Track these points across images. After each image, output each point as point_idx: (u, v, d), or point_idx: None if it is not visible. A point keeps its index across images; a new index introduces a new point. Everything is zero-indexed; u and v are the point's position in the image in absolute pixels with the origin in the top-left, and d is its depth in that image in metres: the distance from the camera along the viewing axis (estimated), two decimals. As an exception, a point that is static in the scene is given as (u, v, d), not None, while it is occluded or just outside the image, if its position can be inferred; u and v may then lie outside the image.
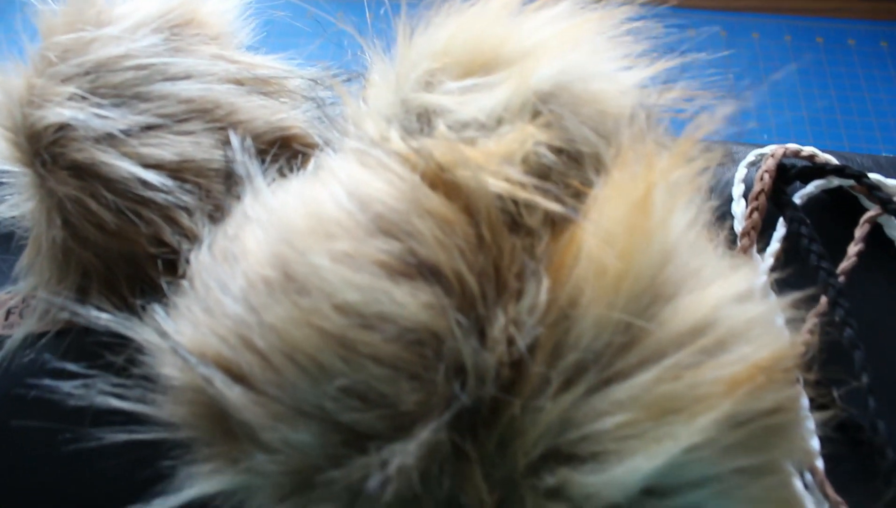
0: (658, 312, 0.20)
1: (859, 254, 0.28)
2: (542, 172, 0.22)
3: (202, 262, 0.22)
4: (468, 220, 0.21)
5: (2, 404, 0.28)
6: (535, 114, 0.23)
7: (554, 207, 0.21)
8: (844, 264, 0.28)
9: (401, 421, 0.18)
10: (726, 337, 0.20)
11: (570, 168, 0.23)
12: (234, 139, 0.23)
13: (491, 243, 0.21)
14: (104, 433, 0.22)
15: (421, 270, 0.19)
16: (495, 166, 0.21)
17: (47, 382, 0.23)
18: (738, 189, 0.29)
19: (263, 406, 0.19)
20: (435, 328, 0.19)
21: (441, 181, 0.21)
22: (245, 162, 0.22)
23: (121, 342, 0.23)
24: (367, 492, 0.18)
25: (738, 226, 0.28)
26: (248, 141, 0.24)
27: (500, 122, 0.22)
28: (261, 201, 0.22)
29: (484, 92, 0.23)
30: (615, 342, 0.20)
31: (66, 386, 0.23)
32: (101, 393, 0.22)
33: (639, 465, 0.19)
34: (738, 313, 0.20)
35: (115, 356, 0.23)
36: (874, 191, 0.28)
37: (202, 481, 0.21)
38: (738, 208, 0.29)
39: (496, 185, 0.21)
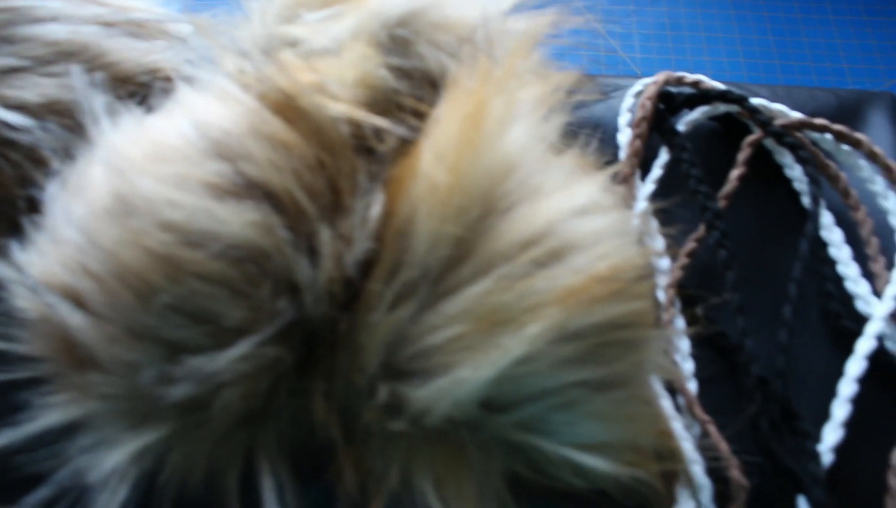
0: (492, 225, 0.20)
1: (741, 178, 0.28)
2: (386, 96, 0.22)
3: (54, 196, 0.22)
4: (307, 143, 0.21)
5: None
6: (383, 39, 0.23)
7: (391, 127, 0.21)
8: (726, 189, 0.28)
9: (225, 337, 0.19)
10: (562, 249, 0.20)
11: (421, 92, 0.23)
12: (79, 78, 0.23)
13: (330, 164, 0.21)
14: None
15: (249, 189, 0.20)
16: (334, 89, 0.21)
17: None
18: (623, 118, 0.29)
19: (100, 329, 0.20)
20: (261, 245, 0.19)
21: (283, 107, 0.22)
22: (93, 100, 0.23)
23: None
24: (169, 399, 0.18)
25: (624, 155, 0.28)
26: (100, 79, 0.24)
27: (344, 48, 0.22)
28: (109, 136, 0.22)
29: (335, 21, 0.23)
30: (448, 256, 0.20)
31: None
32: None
33: (466, 377, 0.19)
34: (577, 225, 0.21)
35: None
36: (755, 114, 0.28)
37: (55, 411, 0.21)
38: (624, 136, 0.29)
39: (334, 108, 0.21)
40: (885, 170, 0.28)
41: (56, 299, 0.20)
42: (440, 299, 0.20)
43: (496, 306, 0.19)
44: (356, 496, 0.21)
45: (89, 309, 0.20)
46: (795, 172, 0.29)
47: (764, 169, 0.30)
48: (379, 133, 0.22)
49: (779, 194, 0.29)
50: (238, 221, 0.19)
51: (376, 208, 0.20)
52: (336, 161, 0.21)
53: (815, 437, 0.24)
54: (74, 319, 0.20)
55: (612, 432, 0.21)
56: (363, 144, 0.22)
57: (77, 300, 0.20)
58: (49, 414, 0.21)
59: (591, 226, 0.21)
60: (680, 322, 0.26)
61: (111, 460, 0.20)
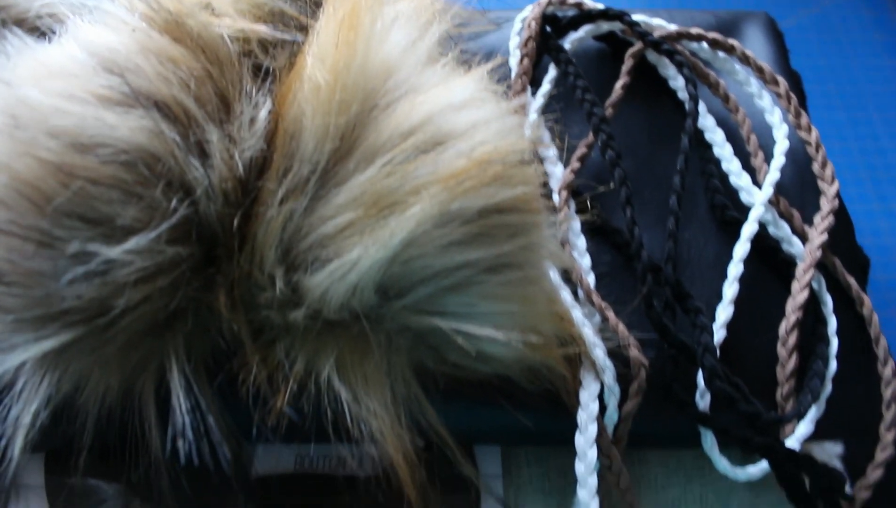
0: (374, 118, 0.22)
1: (625, 87, 0.30)
2: (272, 13, 0.24)
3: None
4: (194, 57, 0.22)
5: None
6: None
7: (276, 34, 0.22)
8: (611, 98, 0.30)
9: (119, 236, 0.20)
10: (442, 137, 0.22)
11: (306, 10, 0.25)
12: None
13: (217, 75, 0.22)
14: None
15: (138, 98, 0.21)
16: (221, 8, 0.23)
17: None
18: (513, 42, 0.31)
19: (-1, 243, 0.20)
20: (151, 149, 0.20)
21: (171, 26, 0.23)
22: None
23: None
24: (71, 302, 0.19)
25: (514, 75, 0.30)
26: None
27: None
28: (6, 65, 0.23)
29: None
30: (333, 149, 0.21)
31: None
32: None
33: (357, 258, 0.20)
34: (457, 116, 0.22)
35: None
36: (635, 28, 0.30)
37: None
38: (514, 59, 0.31)
39: (220, 24, 0.22)
40: (759, 71, 0.30)
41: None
42: (329, 191, 0.21)
43: (382, 192, 0.21)
44: (265, 391, 0.22)
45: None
46: (679, 83, 0.31)
47: (650, 83, 0.32)
48: (266, 48, 0.23)
49: (665, 106, 0.31)
50: (127, 126, 0.20)
51: (264, 111, 0.21)
52: (223, 72, 0.22)
53: (708, 315, 0.26)
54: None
55: (509, 314, 0.22)
56: (253, 61, 0.24)
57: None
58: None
59: (470, 116, 0.22)
60: (575, 222, 0.28)
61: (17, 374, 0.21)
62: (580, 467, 0.24)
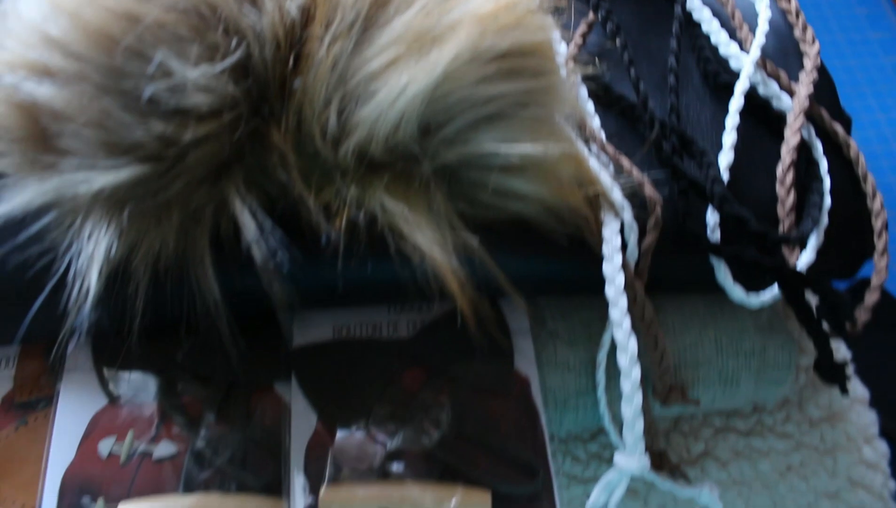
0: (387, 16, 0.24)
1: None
2: None
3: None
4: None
5: None
6: None
7: None
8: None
9: (184, 75, 0.22)
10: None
11: None
12: None
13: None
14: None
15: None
16: None
17: None
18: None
19: (69, 89, 0.22)
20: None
21: None
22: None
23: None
24: (142, 136, 0.21)
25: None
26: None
27: None
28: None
29: None
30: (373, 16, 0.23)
31: None
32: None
33: (403, 85, 0.23)
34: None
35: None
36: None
37: (26, 192, 0.23)
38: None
39: None
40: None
41: (19, 77, 0.22)
42: (373, 33, 0.23)
43: (421, 30, 0.23)
44: (317, 225, 0.24)
45: (56, 75, 0.22)
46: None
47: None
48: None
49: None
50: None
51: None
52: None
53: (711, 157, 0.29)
54: (41, 90, 0.22)
55: (534, 149, 0.25)
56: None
57: (42, 72, 0.22)
58: (20, 196, 0.23)
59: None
60: (582, 89, 0.30)
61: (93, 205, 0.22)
62: (610, 290, 0.26)
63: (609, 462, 0.32)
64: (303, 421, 0.28)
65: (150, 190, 0.23)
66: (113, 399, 0.28)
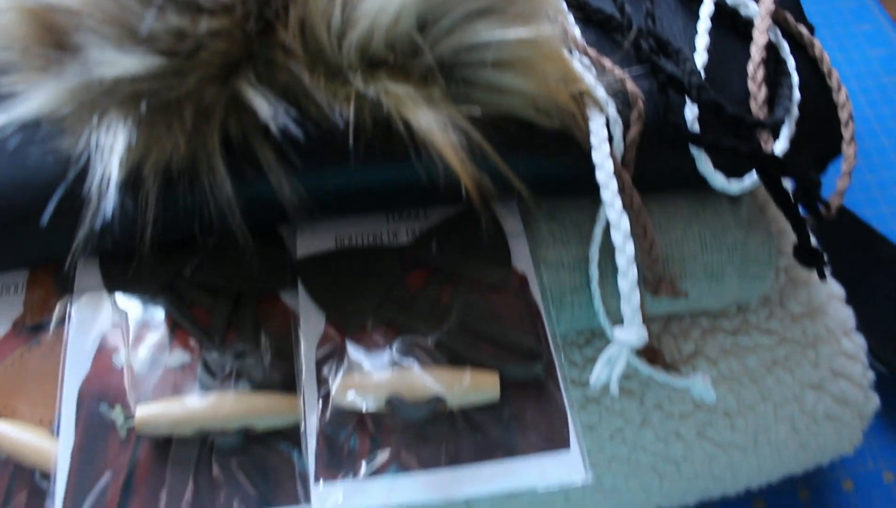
0: None
1: None
2: None
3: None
4: None
5: None
6: None
7: None
8: None
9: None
10: None
11: None
12: None
13: None
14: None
15: None
16: None
17: None
18: None
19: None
20: None
21: None
22: None
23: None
24: (156, 29, 0.22)
25: None
26: None
27: None
28: None
29: None
30: None
31: None
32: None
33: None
34: None
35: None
36: None
37: (40, 93, 0.24)
38: None
39: None
40: None
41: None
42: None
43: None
44: (327, 110, 0.25)
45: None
46: None
47: None
48: None
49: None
50: None
51: None
52: None
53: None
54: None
55: (525, 33, 0.26)
56: None
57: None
58: (37, 98, 0.24)
59: None
60: (562, 3, 0.32)
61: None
62: (600, 175, 0.28)
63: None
64: (312, 324, 0.29)
65: (164, 84, 0.24)
66: (124, 314, 0.29)
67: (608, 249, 0.31)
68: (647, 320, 0.30)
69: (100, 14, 0.23)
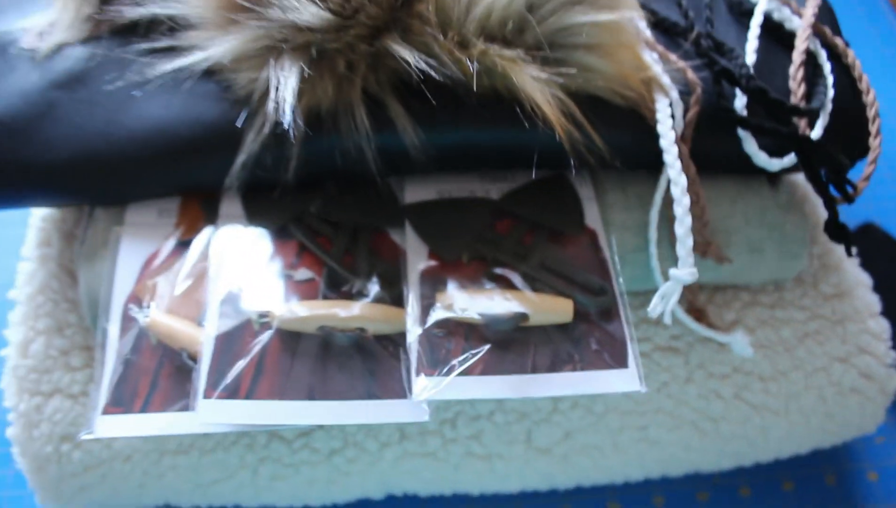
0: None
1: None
2: None
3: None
4: None
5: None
6: None
7: None
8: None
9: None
10: None
11: None
12: None
13: None
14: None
15: None
16: None
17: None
18: None
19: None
20: None
21: None
22: None
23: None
24: None
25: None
26: None
27: None
28: None
29: None
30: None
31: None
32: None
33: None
34: None
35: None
36: None
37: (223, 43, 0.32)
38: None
39: None
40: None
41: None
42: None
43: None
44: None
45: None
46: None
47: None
48: None
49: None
50: None
51: None
52: None
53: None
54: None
55: (609, 16, 0.33)
56: None
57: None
58: (230, 42, 0.32)
59: None
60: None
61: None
62: (664, 141, 0.34)
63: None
64: (416, 255, 0.36)
65: (328, 38, 0.31)
66: (259, 238, 0.36)
67: (665, 217, 0.37)
68: (694, 291, 0.36)
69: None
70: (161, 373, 0.34)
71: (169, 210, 0.38)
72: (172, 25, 0.35)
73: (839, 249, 0.43)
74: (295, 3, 0.30)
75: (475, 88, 0.32)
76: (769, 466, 0.46)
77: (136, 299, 0.35)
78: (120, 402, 0.33)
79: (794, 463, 0.46)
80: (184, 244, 0.37)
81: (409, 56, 0.31)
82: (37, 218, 0.45)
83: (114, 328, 0.35)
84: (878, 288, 0.45)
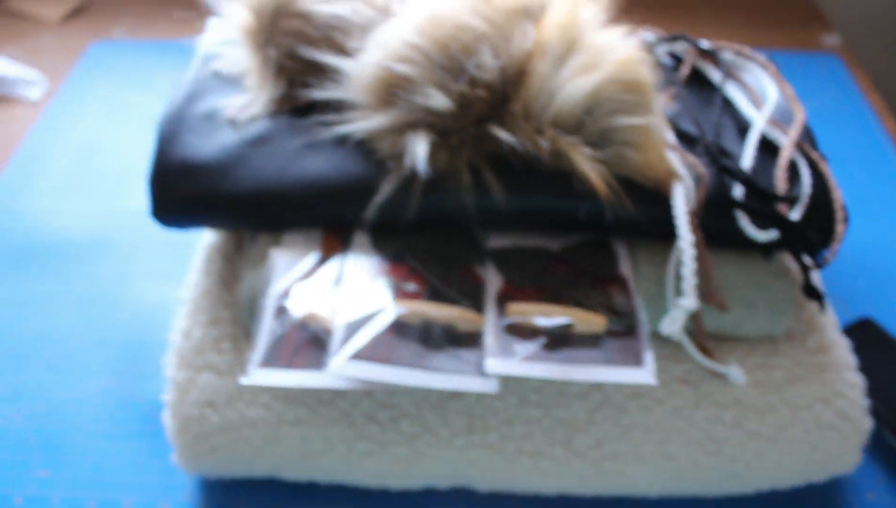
0: (580, 46, 0.50)
1: (685, 78, 0.59)
2: None
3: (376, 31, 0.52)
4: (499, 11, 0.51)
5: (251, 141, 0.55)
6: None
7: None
8: (681, 77, 0.59)
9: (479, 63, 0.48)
10: (612, 46, 0.50)
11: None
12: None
13: (508, 21, 0.51)
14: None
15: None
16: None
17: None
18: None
19: (418, 67, 0.48)
20: (482, 33, 0.49)
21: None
22: None
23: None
24: (458, 90, 0.47)
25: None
26: None
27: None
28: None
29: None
30: (564, 50, 0.50)
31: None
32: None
33: (579, 87, 0.48)
34: (608, 39, 0.51)
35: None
36: (693, 43, 0.60)
37: (381, 117, 0.49)
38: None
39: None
40: (762, 64, 0.60)
41: (390, 63, 0.49)
42: (566, 61, 0.49)
43: (589, 63, 0.49)
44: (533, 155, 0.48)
45: (413, 61, 0.49)
46: (712, 73, 0.60)
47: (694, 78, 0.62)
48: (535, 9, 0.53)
49: (707, 88, 0.60)
50: (473, 24, 0.49)
51: (530, 35, 0.50)
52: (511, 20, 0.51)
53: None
54: (402, 67, 0.48)
55: (643, 121, 0.49)
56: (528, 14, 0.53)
57: (405, 59, 0.49)
58: (377, 118, 0.49)
59: (620, 47, 0.51)
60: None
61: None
62: (678, 212, 0.49)
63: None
64: (493, 281, 0.51)
65: (448, 120, 0.48)
66: (382, 259, 0.52)
67: (679, 274, 0.51)
68: (701, 331, 0.49)
69: (426, 80, 0.47)
70: (301, 345, 0.48)
71: (314, 237, 0.54)
72: (339, 106, 0.52)
73: (824, 315, 0.57)
74: (431, 94, 0.47)
75: (546, 165, 0.49)
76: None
77: (285, 294, 0.51)
78: (270, 362, 0.48)
79: None
80: (323, 261, 0.52)
81: (506, 137, 0.47)
82: (203, 243, 0.62)
83: (269, 313, 0.50)
84: (868, 374, 0.57)
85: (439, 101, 0.47)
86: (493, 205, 0.50)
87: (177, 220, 0.55)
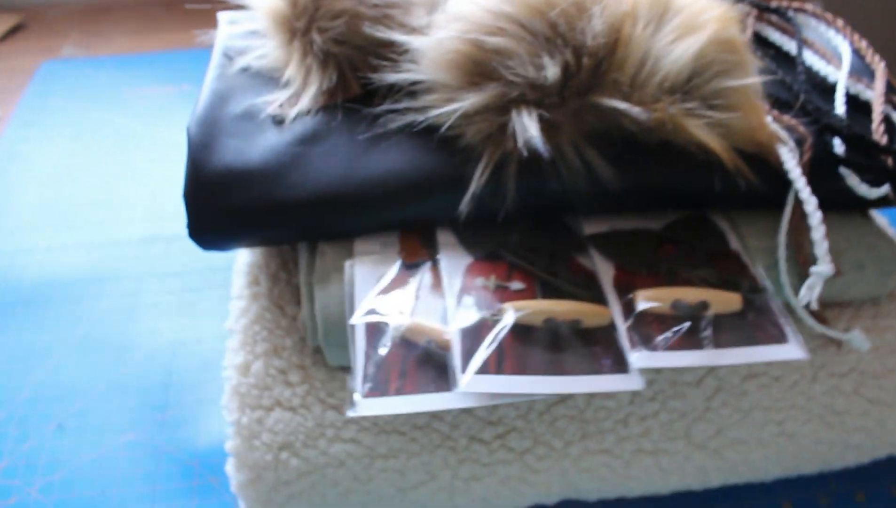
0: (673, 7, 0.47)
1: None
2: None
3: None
4: None
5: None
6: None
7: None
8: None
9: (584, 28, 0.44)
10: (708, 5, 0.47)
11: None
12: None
13: None
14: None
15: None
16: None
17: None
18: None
19: (512, 39, 0.44)
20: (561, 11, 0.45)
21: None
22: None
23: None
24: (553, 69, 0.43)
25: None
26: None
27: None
28: None
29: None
30: (661, 11, 0.46)
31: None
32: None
33: (683, 51, 0.45)
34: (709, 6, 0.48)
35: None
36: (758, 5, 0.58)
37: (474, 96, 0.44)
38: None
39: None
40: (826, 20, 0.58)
41: (479, 34, 0.44)
42: (663, 25, 0.46)
43: (688, 24, 0.46)
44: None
45: (504, 33, 0.44)
46: (776, 36, 0.59)
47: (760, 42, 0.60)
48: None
49: (772, 49, 0.58)
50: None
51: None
52: None
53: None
54: (492, 39, 0.44)
55: (745, 82, 0.46)
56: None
57: (496, 32, 0.44)
58: (472, 98, 0.44)
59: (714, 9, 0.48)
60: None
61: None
62: (793, 174, 0.47)
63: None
64: (605, 269, 0.47)
65: (553, 92, 0.43)
66: (476, 258, 0.47)
67: (789, 242, 0.49)
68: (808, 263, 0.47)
69: (521, 52, 0.43)
70: (408, 364, 0.43)
71: (390, 242, 0.48)
72: (407, 91, 0.47)
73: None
74: (545, 63, 0.43)
75: (651, 138, 0.45)
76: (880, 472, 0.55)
77: (373, 310, 0.45)
78: (377, 388, 0.42)
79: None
80: (408, 267, 0.47)
81: (624, 107, 0.44)
82: (241, 264, 0.55)
83: (360, 334, 0.44)
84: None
85: (552, 71, 0.43)
86: (601, 186, 0.46)
87: (221, 237, 0.49)
